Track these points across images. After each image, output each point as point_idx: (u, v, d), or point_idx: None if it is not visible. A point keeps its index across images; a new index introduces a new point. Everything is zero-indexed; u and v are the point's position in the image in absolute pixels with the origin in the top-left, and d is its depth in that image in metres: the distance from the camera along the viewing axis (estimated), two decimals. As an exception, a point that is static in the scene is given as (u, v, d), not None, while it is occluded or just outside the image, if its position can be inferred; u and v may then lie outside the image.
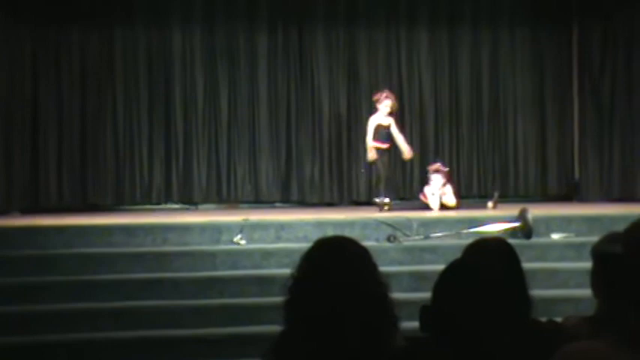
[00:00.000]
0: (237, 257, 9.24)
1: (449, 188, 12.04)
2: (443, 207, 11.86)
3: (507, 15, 13.89)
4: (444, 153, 13.73)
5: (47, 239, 9.35)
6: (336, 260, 2.53)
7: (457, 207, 11.93)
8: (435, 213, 11.25)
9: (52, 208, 12.28)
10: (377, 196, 11.81)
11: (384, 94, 11.86)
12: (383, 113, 11.77)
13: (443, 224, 10.03)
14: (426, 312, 2.64)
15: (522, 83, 13.97)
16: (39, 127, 12.66)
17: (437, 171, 12.12)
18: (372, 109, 11.97)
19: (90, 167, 12.83)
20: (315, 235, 3.03)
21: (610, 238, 3.46)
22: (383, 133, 11.73)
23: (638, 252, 2.08)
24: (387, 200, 11.54)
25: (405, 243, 9.58)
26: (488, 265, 2.64)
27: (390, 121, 11.81)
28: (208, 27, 13.24)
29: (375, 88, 13.56)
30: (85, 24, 12.80)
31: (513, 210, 10.34)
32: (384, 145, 11.73)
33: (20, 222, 10.45)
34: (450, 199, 11.95)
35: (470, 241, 3.49)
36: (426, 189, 12.05)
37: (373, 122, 11.75)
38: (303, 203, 13.25)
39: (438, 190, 11.95)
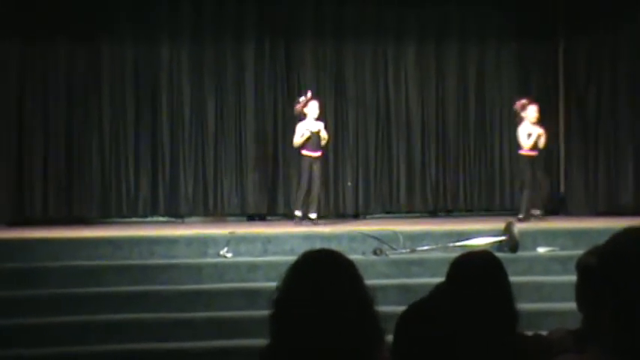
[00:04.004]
0: (223, 270, 9.23)
1: None
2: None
3: (494, 30, 13.95)
4: (430, 166, 13.76)
5: (33, 252, 9.32)
6: (321, 273, 2.53)
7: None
8: (419, 226, 11.16)
9: (37, 220, 12.22)
10: (296, 207, 11.57)
11: (309, 98, 11.56)
12: (312, 118, 11.51)
13: (429, 237, 10.04)
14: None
15: (508, 98, 13.99)
16: (25, 140, 12.62)
17: None
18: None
19: (76, 180, 12.79)
20: (302, 248, 3.02)
21: (595, 252, 3.47)
22: (313, 140, 11.46)
23: (611, 263, 2.10)
24: (298, 213, 11.36)
25: (392, 256, 9.59)
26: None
27: (320, 127, 11.54)
28: (195, 40, 13.24)
29: (363, 102, 13.62)
30: (72, 37, 12.77)
31: (499, 224, 10.36)
32: (315, 154, 11.47)
33: (5, 235, 10.39)
34: None
35: (456, 254, 3.49)
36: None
37: (301, 128, 11.47)
38: (289, 216, 13.23)
39: None
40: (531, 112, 11.98)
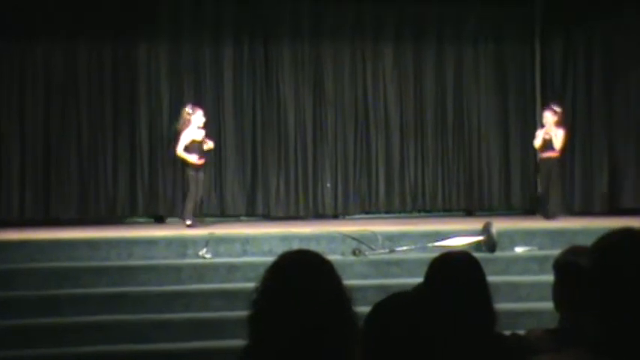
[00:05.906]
0: (202, 271, 9.22)
1: None
2: None
3: (471, 31, 14.01)
4: (409, 167, 13.79)
5: (9, 253, 9.26)
6: (300, 274, 2.54)
7: None
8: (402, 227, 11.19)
9: (13, 221, 12.12)
10: (183, 215, 11.63)
11: (196, 107, 11.72)
12: (196, 127, 11.60)
13: (408, 238, 10.06)
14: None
15: (486, 98, 14.08)
16: (1, 140, 12.54)
17: None
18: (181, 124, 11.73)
19: (53, 180, 12.70)
20: (281, 249, 3.03)
21: (572, 251, 3.50)
22: (197, 148, 11.54)
23: (603, 265, 2.11)
24: (189, 222, 11.29)
25: (371, 256, 9.61)
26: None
27: (202, 135, 11.66)
28: (174, 41, 13.20)
29: (341, 103, 13.63)
30: (50, 38, 12.71)
31: (477, 224, 10.40)
32: (200, 162, 11.56)
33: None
34: None
35: (435, 254, 3.50)
36: None
37: (187, 136, 11.55)
38: (268, 217, 13.23)
39: None
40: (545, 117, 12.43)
